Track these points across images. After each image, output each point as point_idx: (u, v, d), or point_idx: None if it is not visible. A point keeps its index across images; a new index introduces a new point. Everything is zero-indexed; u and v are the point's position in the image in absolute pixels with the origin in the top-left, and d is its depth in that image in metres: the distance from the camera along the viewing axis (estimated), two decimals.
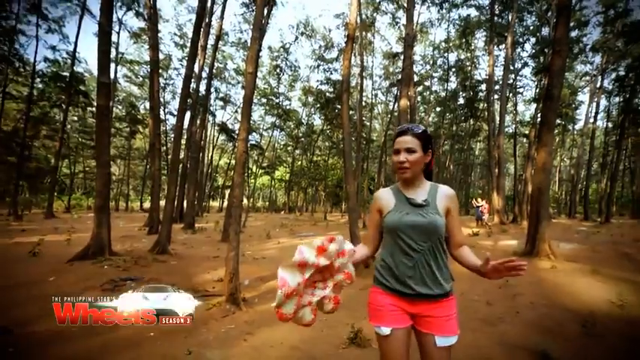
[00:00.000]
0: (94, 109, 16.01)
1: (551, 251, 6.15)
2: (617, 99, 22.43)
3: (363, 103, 22.42)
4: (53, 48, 17.25)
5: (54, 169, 16.22)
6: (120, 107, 25.13)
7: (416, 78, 21.98)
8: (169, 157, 16.68)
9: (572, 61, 20.93)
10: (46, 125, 18.65)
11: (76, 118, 23.42)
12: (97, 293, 4.01)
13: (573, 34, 18.75)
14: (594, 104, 22.67)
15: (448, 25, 22.04)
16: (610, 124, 23.59)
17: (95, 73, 11.42)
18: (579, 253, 6.84)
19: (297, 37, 22.80)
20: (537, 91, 19.48)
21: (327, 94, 22.31)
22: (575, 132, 28.66)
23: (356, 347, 2.82)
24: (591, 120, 23.08)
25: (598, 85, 21.69)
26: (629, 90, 16.39)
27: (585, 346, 2.70)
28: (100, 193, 6.04)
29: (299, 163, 31.60)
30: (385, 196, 1.41)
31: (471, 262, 1.28)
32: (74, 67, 15.82)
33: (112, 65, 18.64)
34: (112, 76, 16.57)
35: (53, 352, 2.63)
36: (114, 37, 18.69)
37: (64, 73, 16.62)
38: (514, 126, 22.46)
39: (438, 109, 26.70)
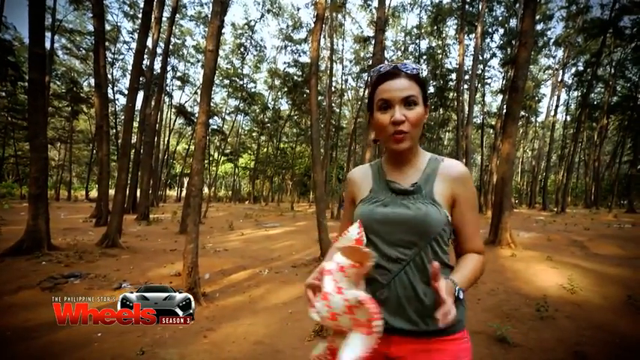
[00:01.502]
0: (26, 83, 14.06)
1: (511, 240, 6.61)
2: (575, 93, 24.55)
3: (333, 89, 22.29)
4: None
5: None
6: (59, 83, 22.44)
7: None
8: (119, 141, 15.32)
9: (537, 55, 22.46)
10: None
11: (3, 94, 20.48)
12: (35, 293, 3.71)
13: (539, 27, 20.13)
14: (555, 98, 24.62)
15: (420, 11, 22.51)
16: (569, 118, 25.89)
17: (27, 41, 9.98)
18: (536, 242, 7.51)
19: (263, 15, 21.87)
20: (504, 82, 20.70)
21: (295, 77, 21.88)
22: (538, 124, 31.00)
23: (321, 340, 2.79)
24: (552, 113, 25.06)
25: (559, 79, 23.57)
26: (587, 85, 17.85)
27: (538, 327, 2.93)
28: (36, 180, 5.42)
29: (265, 150, 30.86)
30: (360, 178, 0.98)
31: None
32: (0, 34, 13.67)
33: (48, 34, 16.41)
34: (47, 46, 14.62)
35: None
36: (49, 1, 16.44)
37: None
38: (482, 117, 23.64)
39: None
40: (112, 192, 8.32)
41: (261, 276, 4.93)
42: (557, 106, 24.54)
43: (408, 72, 0.85)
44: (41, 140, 5.54)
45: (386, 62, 0.86)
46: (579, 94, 22.82)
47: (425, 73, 24.97)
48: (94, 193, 21.30)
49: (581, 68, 20.95)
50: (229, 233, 9.79)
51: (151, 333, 2.84)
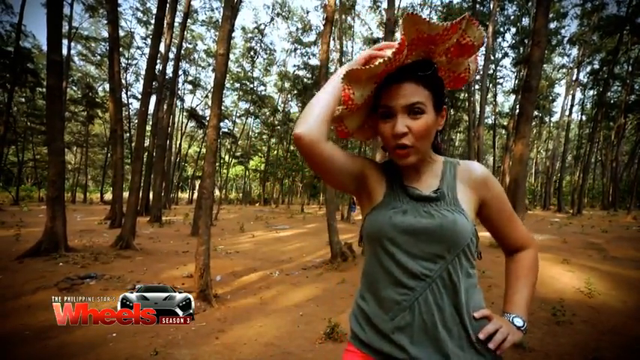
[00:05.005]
0: (44, 89, 14.51)
1: None
2: (591, 92, 23.84)
3: None
4: None
5: None
6: (75, 88, 23.14)
7: None
8: (133, 144, 15.65)
9: (551, 53, 21.92)
10: None
11: (23, 100, 21.22)
12: (52, 293, 3.79)
13: (552, 25, 19.61)
14: (570, 97, 23.94)
15: (430, 12, 22.31)
16: (584, 117, 25.15)
17: (45, 49, 10.35)
18: (552, 244, 7.31)
19: (272, 18, 22.17)
20: (516, 82, 20.31)
21: (305, 80, 22.00)
22: (552, 124, 30.20)
23: (332, 342, 2.82)
24: (567, 113, 24.40)
25: (574, 77, 22.91)
26: (603, 84, 17.33)
27: (554, 332, 2.85)
28: (54, 183, 5.57)
29: (275, 152, 31.04)
30: (377, 175, 0.83)
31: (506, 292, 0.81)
32: (20, 42, 14.20)
33: (65, 41, 16.96)
34: (64, 53, 15.10)
35: (2, 356, 2.45)
36: (66, 9, 17.00)
37: (8, 49, 14.91)
38: (493, 117, 23.23)
39: None
40: (126, 194, 8.49)
41: (272, 278, 4.95)
42: (572, 106, 23.87)
43: (414, 76, 0.71)
44: (59, 144, 5.70)
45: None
46: (595, 92, 22.16)
47: None
48: (108, 196, 21.81)
49: (596, 66, 20.39)
50: (240, 235, 9.86)
51: (164, 334, 2.88)
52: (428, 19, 0.68)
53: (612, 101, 21.77)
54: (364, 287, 0.80)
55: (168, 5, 10.64)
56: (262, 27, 22.81)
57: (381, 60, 0.68)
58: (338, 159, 0.78)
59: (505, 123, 22.09)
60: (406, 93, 0.71)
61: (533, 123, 19.01)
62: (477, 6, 17.45)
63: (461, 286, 0.70)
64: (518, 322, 0.74)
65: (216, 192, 21.43)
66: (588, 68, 22.09)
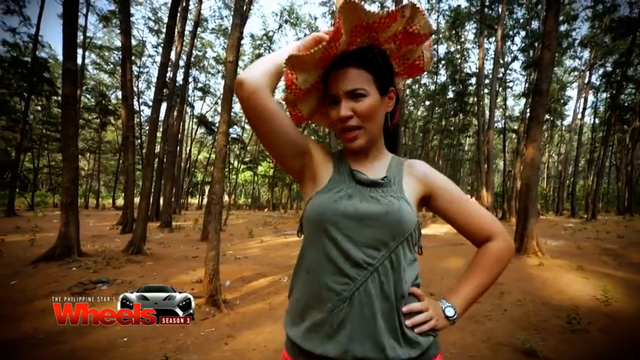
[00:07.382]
0: (59, 98, 14.96)
1: (538, 248, 6.30)
2: (604, 95, 23.38)
3: None
4: (13, 30, 15.97)
5: (14, 164, 15.12)
6: (89, 96, 23.82)
7: None
8: (144, 150, 15.94)
9: (561, 56, 21.56)
10: (6, 115, 17.33)
11: (39, 108, 21.90)
12: (65, 297, 3.77)
13: (562, 28, 19.34)
14: (582, 100, 23.42)
15: (438, 16, 22.25)
16: (597, 121, 24.55)
17: (60, 58, 10.69)
18: (565, 250, 7.13)
19: (280, 25, 22.46)
20: (527, 85, 20.04)
21: None
22: (564, 128, 29.69)
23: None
24: (579, 116, 23.92)
25: (586, 80, 22.51)
26: (616, 86, 16.99)
27: (569, 341, 2.77)
28: (67, 189, 5.68)
29: None
30: (322, 158, 0.81)
31: None
32: (37, 52, 14.70)
33: (79, 51, 17.49)
34: (79, 62, 15.57)
35: (16, 359, 2.47)
36: (81, 20, 17.56)
37: (26, 59, 15.46)
38: (503, 121, 22.94)
39: (427, 102, 26.96)
40: (137, 200, 8.63)
41: (281, 283, 4.93)
42: (584, 109, 23.35)
43: (356, 61, 0.72)
44: (73, 151, 5.78)
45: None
46: (608, 95, 21.69)
47: (443, 79, 24.52)
48: (120, 202, 22.19)
49: (609, 69, 19.97)
50: (249, 240, 9.88)
51: (173, 339, 2.90)
52: (365, 8, 0.67)
53: (626, 104, 21.26)
54: (300, 280, 0.74)
55: (179, 14, 10.89)
56: (271, 34, 23.14)
57: (319, 47, 0.69)
58: (282, 122, 0.74)
59: (515, 127, 21.73)
60: (348, 78, 0.72)
61: (545, 127, 18.72)
62: (486, 10, 17.35)
63: (404, 276, 0.69)
64: (450, 312, 0.73)
65: (226, 197, 21.60)
66: (600, 71, 21.63)
